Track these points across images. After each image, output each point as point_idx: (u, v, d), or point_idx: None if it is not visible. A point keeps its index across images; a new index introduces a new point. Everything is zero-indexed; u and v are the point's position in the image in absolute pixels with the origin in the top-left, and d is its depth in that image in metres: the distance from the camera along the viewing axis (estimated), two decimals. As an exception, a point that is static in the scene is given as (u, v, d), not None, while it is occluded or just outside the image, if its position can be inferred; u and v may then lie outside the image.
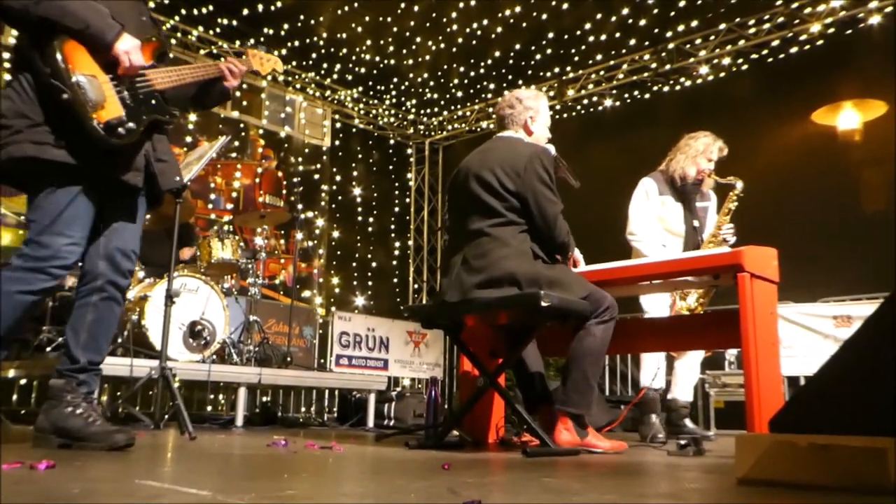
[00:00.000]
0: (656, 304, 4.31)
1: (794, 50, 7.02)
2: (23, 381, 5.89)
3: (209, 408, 7.00)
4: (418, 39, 7.70)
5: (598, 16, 7.15)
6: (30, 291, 2.26)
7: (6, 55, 6.58)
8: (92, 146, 2.26)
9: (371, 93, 9.20)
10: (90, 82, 2.24)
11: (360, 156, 9.54)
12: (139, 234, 2.57)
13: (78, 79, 2.21)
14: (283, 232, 8.43)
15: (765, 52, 7.19)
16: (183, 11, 7.34)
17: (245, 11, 7.30)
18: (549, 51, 7.84)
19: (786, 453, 1.64)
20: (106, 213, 2.45)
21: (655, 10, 7.03)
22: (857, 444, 1.53)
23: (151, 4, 7.23)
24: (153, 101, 2.44)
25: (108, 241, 2.45)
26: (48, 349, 4.78)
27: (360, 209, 9.42)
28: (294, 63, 8.42)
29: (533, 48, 7.79)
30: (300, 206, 7.25)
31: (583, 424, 3.08)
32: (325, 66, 8.43)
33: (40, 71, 2.23)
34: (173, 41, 7.56)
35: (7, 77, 6.60)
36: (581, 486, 1.64)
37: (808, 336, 6.02)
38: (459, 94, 9.05)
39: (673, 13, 7.10)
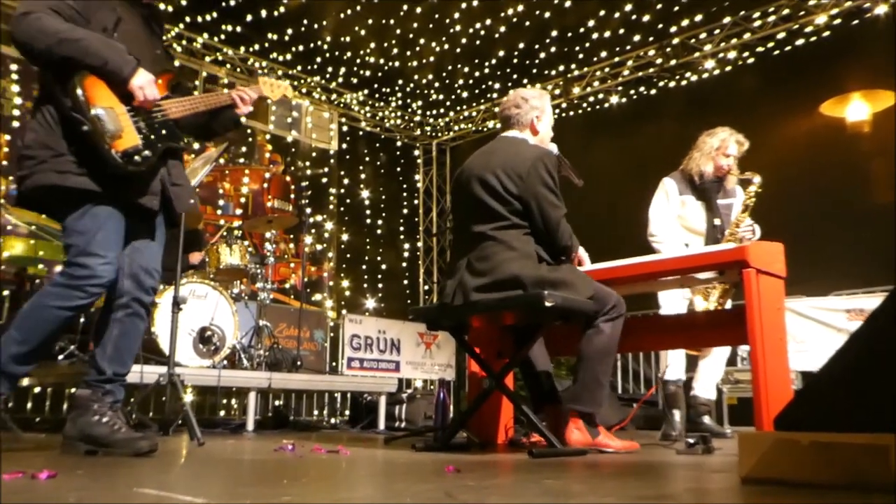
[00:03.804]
0: (671, 301, 4.27)
1: (800, 42, 6.97)
2: (37, 390, 5.94)
3: (222, 412, 7.02)
4: (422, 41, 7.71)
5: (602, 13, 7.13)
6: (66, 307, 2.40)
7: (14, 66, 6.65)
8: (111, 173, 2.39)
9: (377, 95, 9.22)
10: (108, 114, 2.37)
11: (367, 158, 9.56)
12: (160, 252, 2.72)
13: (97, 111, 2.34)
14: (292, 236, 8.45)
15: (770, 44, 7.14)
16: (188, 19, 7.37)
17: (249, 17, 7.33)
18: (553, 49, 7.82)
19: (788, 451, 1.62)
20: (129, 235, 2.58)
21: (659, 6, 7.00)
22: (860, 442, 1.51)
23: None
24: (168, 130, 2.57)
25: (132, 260, 2.59)
26: (60, 357, 4.82)
27: (368, 212, 9.43)
28: (299, 67, 8.44)
29: (537, 47, 7.77)
30: (308, 210, 7.26)
31: (593, 423, 3.07)
32: (329, 69, 8.46)
33: (61, 104, 2.36)
34: (178, 48, 7.61)
35: (14, 88, 6.69)
36: (581, 488, 1.63)
37: (821, 330, 5.96)
38: (465, 94, 9.05)
39: (677, 8, 7.08)
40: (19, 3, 2.43)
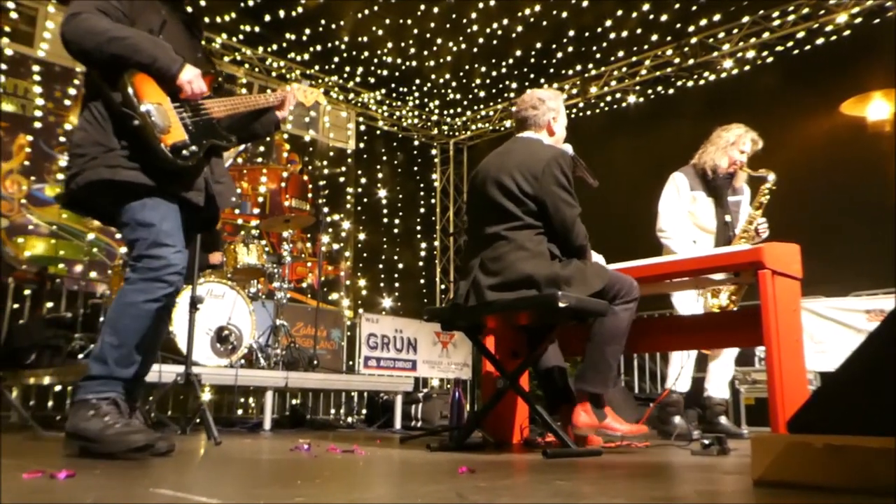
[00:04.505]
0: (687, 303, 4.26)
1: (820, 41, 6.90)
2: (57, 388, 6.01)
3: (239, 411, 7.07)
4: (439, 40, 7.72)
5: (619, 12, 7.09)
6: (153, 299, 2.42)
7: (36, 68, 6.74)
8: (160, 167, 2.42)
9: (394, 94, 9.24)
10: (157, 109, 2.41)
11: (384, 158, 9.58)
12: (188, 255, 2.73)
13: (146, 107, 2.38)
14: (309, 235, 8.50)
15: (790, 43, 7.08)
16: (206, 19, 7.42)
17: (267, 17, 7.38)
18: (570, 48, 7.80)
19: (801, 454, 1.62)
20: None
21: (677, 5, 6.96)
22: (873, 445, 1.50)
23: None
24: (211, 128, 2.62)
25: None
26: (80, 356, 4.88)
27: (385, 211, 9.46)
28: (317, 67, 8.48)
29: (554, 46, 7.76)
30: (325, 210, 7.27)
31: (601, 404, 3.07)
32: (347, 69, 8.49)
33: (111, 100, 2.40)
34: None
35: (37, 89, 6.76)
36: (592, 490, 1.63)
37: (840, 331, 5.90)
38: (482, 93, 9.05)
39: (695, 7, 7.04)
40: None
